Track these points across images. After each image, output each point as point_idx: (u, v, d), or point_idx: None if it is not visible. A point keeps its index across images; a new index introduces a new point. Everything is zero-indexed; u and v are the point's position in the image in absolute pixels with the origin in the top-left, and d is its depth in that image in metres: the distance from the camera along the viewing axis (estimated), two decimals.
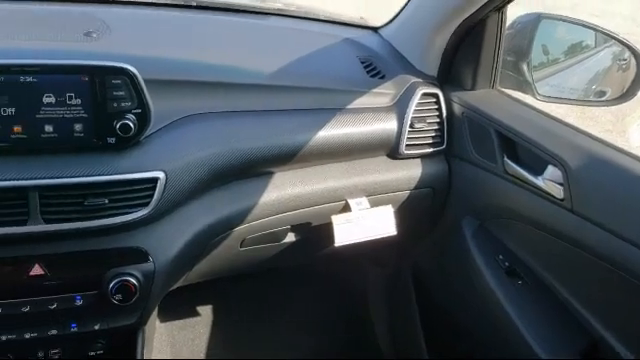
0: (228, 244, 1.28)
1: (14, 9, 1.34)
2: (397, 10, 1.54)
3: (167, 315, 1.69)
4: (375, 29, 1.64)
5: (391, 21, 1.59)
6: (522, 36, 1.47)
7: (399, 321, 1.82)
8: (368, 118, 1.34)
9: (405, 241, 1.51)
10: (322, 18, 1.65)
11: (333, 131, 1.29)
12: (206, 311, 1.80)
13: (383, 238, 1.38)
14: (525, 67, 1.58)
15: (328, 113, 1.31)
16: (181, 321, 1.76)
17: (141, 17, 1.44)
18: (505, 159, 1.29)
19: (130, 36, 1.29)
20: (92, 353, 1.22)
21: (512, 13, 1.40)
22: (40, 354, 1.19)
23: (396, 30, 1.55)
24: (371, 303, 1.87)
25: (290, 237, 1.38)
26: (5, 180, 1.00)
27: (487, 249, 1.40)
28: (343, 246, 1.34)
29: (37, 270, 1.06)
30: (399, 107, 1.37)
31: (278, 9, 1.62)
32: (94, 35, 1.23)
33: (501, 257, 1.37)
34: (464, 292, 1.46)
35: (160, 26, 1.40)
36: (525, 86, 1.56)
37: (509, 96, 1.44)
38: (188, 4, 1.52)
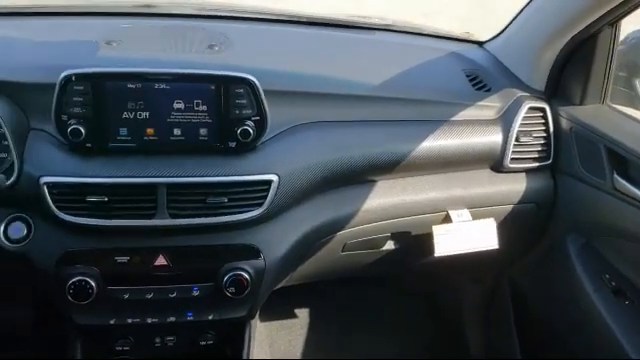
0: (330, 247, 1.33)
1: (146, 24, 1.48)
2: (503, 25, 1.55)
3: (267, 315, 1.77)
4: (480, 43, 1.65)
5: (497, 36, 1.60)
6: (636, 52, 1.43)
7: (495, 337, 1.79)
8: (473, 130, 1.35)
9: (505, 256, 1.49)
10: (427, 33, 1.68)
11: (437, 142, 1.32)
12: (303, 314, 1.85)
13: (482, 252, 1.37)
14: (638, 83, 1.53)
15: (433, 124, 1.33)
16: (279, 322, 1.83)
17: (257, 32, 1.54)
18: (615, 176, 1.26)
19: (248, 49, 1.38)
20: (203, 343, 1.31)
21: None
22: (157, 340, 1.30)
23: (503, 44, 1.55)
24: (465, 318, 1.85)
25: (389, 245, 1.41)
26: (138, 177, 1.11)
27: (593, 267, 1.36)
28: (441, 258, 1.35)
29: (161, 261, 1.16)
30: (505, 120, 1.37)
31: (384, 25, 1.67)
32: (216, 48, 1.34)
33: (607, 276, 1.33)
34: (567, 310, 1.42)
35: (275, 40, 1.49)
36: (638, 102, 1.51)
37: (620, 112, 1.40)
38: (299, 20, 1.61)
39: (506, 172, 1.39)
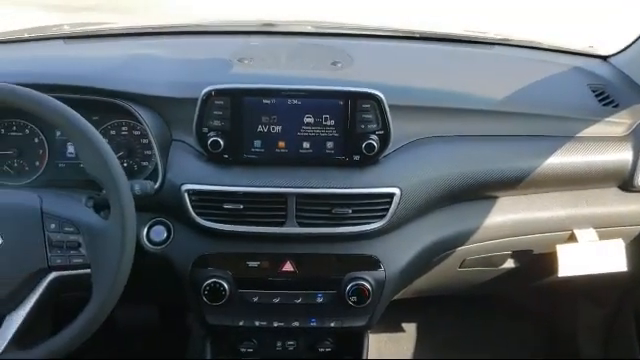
0: (448, 263, 1.33)
1: (271, 42, 1.56)
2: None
3: (377, 327, 1.79)
4: (604, 57, 1.59)
5: (624, 49, 1.53)
6: None
7: None
8: (600, 147, 1.30)
9: (632, 278, 1.42)
10: (547, 47, 1.65)
11: (562, 159, 1.29)
12: (411, 328, 1.86)
13: (609, 274, 1.32)
14: None
15: (557, 140, 1.30)
16: (387, 334, 1.84)
17: (376, 48, 1.58)
18: None
19: (370, 65, 1.42)
20: (321, 349, 1.35)
21: None
22: (278, 344, 1.35)
23: (631, 58, 1.49)
24: (581, 340, 1.78)
25: (509, 263, 1.39)
26: (270, 187, 1.17)
27: None
28: (563, 279, 1.31)
29: (288, 267, 1.21)
30: (635, 137, 1.32)
31: (502, 39, 1.66)
32: (339, 64, 1.38)
33: None
34: None
35: (394, 56, 1.52)
36: None
37: None
38: (417, 35, 1.63)
39: (636, 191, 1.33)
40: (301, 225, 1.18)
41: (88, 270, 0.95)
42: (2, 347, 0.94)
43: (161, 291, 1.38)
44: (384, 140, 1.19)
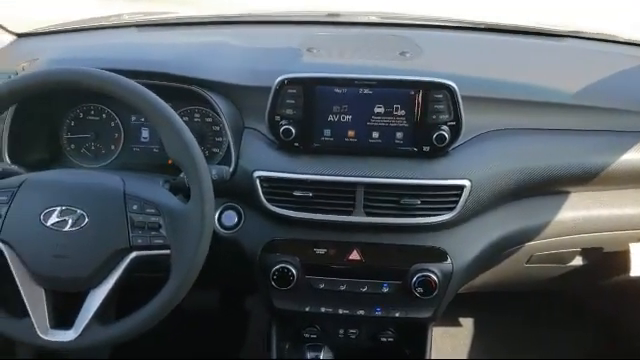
0: (515, 258, 1.31)
1: (338, 32, 1.56)
2: None
3: None
4: None
5: None
6: None
7: None
8: None
9: None
10: (621, 40, 1.59)
11: (636, 155, 1.25)
12: (468, 323, 1.84)
13: None
14: None
15: (632, 136, 1.27)
16: (444, 328, 1.83)
17: (443, 39, 1.56)
18: None
19: (438, 56, 1.40)
20: (383, 339, 1.36)
21: None
22: (340, 331, 1.37)
23: None
24: None
25: (577, 260, 1.36)
26: (339, 175, 1.18)
27: None
28: (635, 278, 1.28)
29: (355, 255, 1.22)
30: None
31: (574, 31, 1.61)
32: (408, 55, 1.38)
33: None
34: None
35: (462, 47, 1.50)
36: None
37: None
38: (484, 27, 1.61)
39: None
40: (369, 215, 1.18)
41: (167, 251, 0.98)
42: (86, 322, 0.98)
43: (230, 275, 1.41)
44: (455, 131, 1.18)
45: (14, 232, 0.97)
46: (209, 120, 1.34)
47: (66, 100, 1.34)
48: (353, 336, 1.37)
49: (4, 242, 0.97)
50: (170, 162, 1.35)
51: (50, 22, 1.66)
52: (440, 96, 1.17)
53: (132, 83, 0.97)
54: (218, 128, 1.34)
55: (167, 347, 1.75)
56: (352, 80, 1.18)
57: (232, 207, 1.25)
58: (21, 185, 0.99)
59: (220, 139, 1.34)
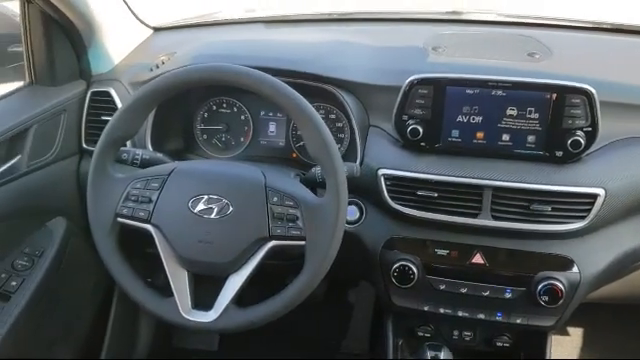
0: None
1: (461, 30, 1.54)
2: None
3: None
4: None
5: None
6: None
7: None
8: None
9: None
10: None
11: None
12: (579, 332, 1.78)
13: None
14: None
15: None
16: (554, 337, 1.78)
17: (573, 40, 1.50)
18: None
19: (569, 58, 1.35)
20: (499, 344, 1.34)
21: None
22: (455, 332, 1.37)
23: None
24: None
25: None
26: (466, 177, 1.17)
27: None
28: None
29: (478, 259, 1.21)
30: None
31: None
32: (537, 56, 1.34)
33: None
34: None
35: (594, 48, 1.44)
36: None
37: None
38: (612, 28, 1.53)
39: None
40: (495, 219, 1.17)
41: (302, 242, 1.02)
42: (224, 305, 1.04)
43: (349, 269, 1.44)
44: (591, 137, 1.14)
45: (164, 217, 1.04)
46: (332, 117, 1.38)
47: (201, 93, 1.41)
48: (467, 338, 1.36)
49: (154, 226, 1.04)
50: (294, 156, 1.42)
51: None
52: (577, 101, 1.13)
53: (280, 83, 1.01)
54: (341, 125, 1.37)
55: (271, 334, 1.80)
56: (485, 81, 1.17)
57: (354, 202, 1.27)
58: (171, 173, 1.06)
59: (342, 135, 1.37)
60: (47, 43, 1.33)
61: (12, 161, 1.26)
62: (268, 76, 1.01)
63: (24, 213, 1.30)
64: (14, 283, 1.24)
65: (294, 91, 1.01)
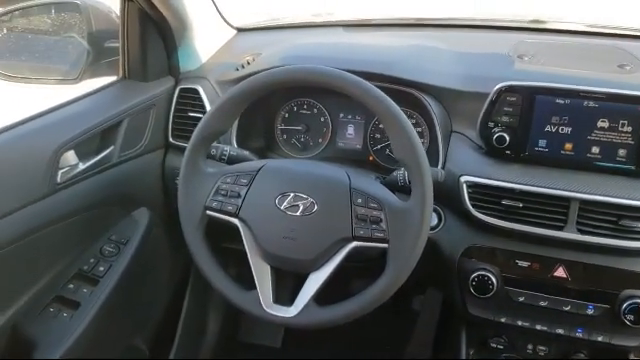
0: None
1: (546, 39, 1.51)
2: None
3: None
4: None
5: None
6: None
7: None
8: None
9: None
10: None
11: None
12: None
13: None
14: None
15: None
16: None
17: None
18: None
19: None
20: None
21: None
22: (529, 346, 1.34)
23: None
24: None
25: None
26: (553, 188, 1.14)
27: None
28: None
29: (560, 272, 1.18)
30: None
31: None
32: (628, 67, 1.29)
33: None
34: None
35: None
36: None
37: None
38: None
39: None
40: (581, 232, 1.13)
41: (385, 245, 1.02)
42: (305, 302, 1.05)
43: (422, 275, 1.43)
44: None
45: (251, 212, 1.07)
46: (412, 122, 1.35)
47: (283, 94, 1.44)
48: (542, 353, 1.33)
49: (241, 219, 1.07)
50: (371, 159, 1.43)
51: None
52: None
53: (371, 87, 1.02)
54: (420, 130, 1.37)
55: (333, 334, 1.81)
56: (577, 92, 1.14)
57: (433, 208, 1.26)
58: (260, 170, 1.08)
59: (422, 140, 1.36)
60: (142, 40, 1.39)
61: (106, 151, 1.32)
62: (358, 78, 1.02)
63: (113, 202, 1.36)
64: (102, 268, 1.30)
65: (385, 95, 1.01)
